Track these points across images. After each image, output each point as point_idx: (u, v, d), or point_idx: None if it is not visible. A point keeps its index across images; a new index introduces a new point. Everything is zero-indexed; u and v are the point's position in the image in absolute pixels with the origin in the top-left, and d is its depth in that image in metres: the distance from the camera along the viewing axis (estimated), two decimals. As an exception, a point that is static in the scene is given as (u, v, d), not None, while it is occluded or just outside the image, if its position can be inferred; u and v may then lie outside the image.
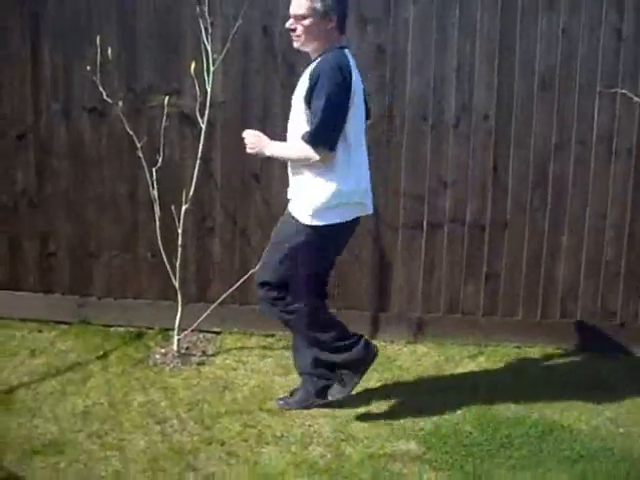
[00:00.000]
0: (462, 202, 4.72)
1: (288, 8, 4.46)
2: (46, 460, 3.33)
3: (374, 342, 3.97)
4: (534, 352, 4.73)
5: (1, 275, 5.03)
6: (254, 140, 3.68)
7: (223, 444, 3.51)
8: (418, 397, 4.09)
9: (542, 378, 4.40)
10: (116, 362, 4.44)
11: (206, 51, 4.32)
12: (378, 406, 3.96)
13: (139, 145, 4.46)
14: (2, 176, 4.93)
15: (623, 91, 4.49)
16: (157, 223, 4.54)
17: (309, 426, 3.73)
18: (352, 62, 3.52)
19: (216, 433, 3.62)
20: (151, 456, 3.39)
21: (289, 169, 3.71)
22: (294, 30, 3.50)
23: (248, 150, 3.70)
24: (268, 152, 3.66)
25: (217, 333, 4.86)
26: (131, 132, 4.47)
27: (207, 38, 4.31)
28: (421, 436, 3.63)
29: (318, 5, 3.41)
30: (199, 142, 4.44)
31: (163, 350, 4.58)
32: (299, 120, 3.55)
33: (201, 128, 4.41)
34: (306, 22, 3.44)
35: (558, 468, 3.37)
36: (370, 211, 3.79)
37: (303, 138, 3.45)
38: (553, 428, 3.74)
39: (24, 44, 4.78)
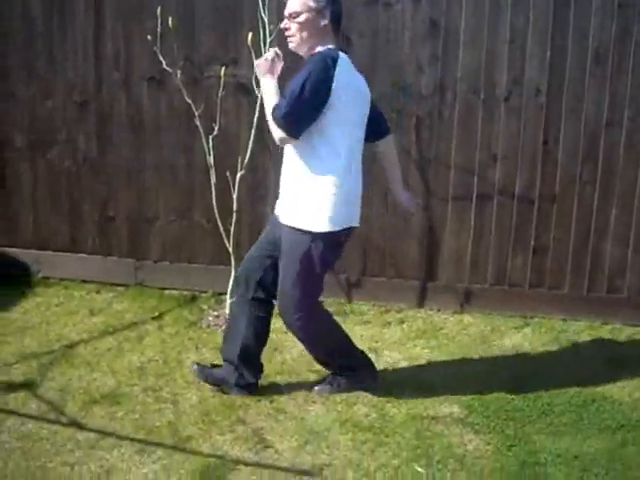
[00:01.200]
0: (512, 175, 4.74)
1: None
2: (104, 410, 3.52)
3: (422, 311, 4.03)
4: (579, 326, 4.74)
5: (62, 238, 5.25)
6: (264, 63, 3.47)
7: (272, 401, 3.65)
8: (462, 364, 4.18)
9: (586, 351, 4.43)
10: (170, 323, 4.62)
11: (263, 22, 4.42)
12: (422, 371, 4.06)
13: (197, 114, 4.58)
14: (65, 142, 5.13)
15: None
16: (213, 190, 4.68)
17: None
18: (346, 62, 3.38)
19: (265, 392, 3.75)
20: (203, 410, 3.55)
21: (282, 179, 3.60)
22: (288, 29, 3.39)
23: (256, 65, 3.53)
24: (261, 80, 3.51)
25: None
26: (189, 101, 4.59)
27: (264, 9, 4.40)
28: (463, 401, 3.71)
29: (311, 2, 3.32)
30: (254, 111, 4.54)
31: (216, 313, 4.73)
32: None
33: (257, 97, 4.50)
34: (300, 19, 3.33)
35: (598, 436, 3.42)
36: (357, 223, 3.62)
37: (272, 110, 3.34)
38: (595, 398, 3.77)
39: (87, 15, 4.96)
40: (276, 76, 3.45)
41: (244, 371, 3.68)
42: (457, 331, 4.65)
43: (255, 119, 4.54)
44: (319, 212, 3.38)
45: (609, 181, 4.69)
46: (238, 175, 4.59)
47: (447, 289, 4.92)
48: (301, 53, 3.45)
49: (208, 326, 4.58)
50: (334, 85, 3.26)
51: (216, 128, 4.59)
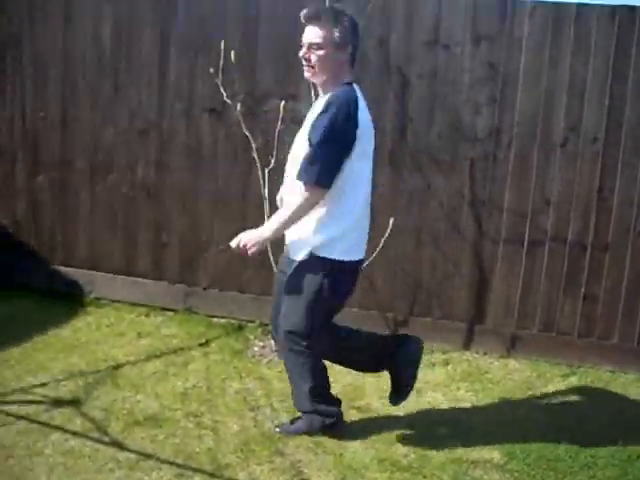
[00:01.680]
0: (565, 221, 4.71)
1: (405, 22, 4.64)
2: (146, 432, 3.56)
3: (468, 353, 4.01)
4: (628, 378, 4.66)
5: (116, 260, 5.36)
6: (246, 238, 3.41)
7: (311, 435, 3.64)
8: (505, 409, 4.13)
9: (633, 405, 4.34)
10: (216, 350, 4.67)
11: (323, 60, 4.48)
12: (465, 414, 4.03)
13: (254, 146, 4.66)
14: (124, 168, 5.26)
15: None
16: (266, 221, 4.72)
17: (396, 426, 3.82)
18: (361, 99, 3.36)
19: (306, 424, 3.77)
20: (243, 439, 3.57)
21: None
22: (307, 60, 3.31)
23: (250, 252, 3.43)
24: (269, 233, 3.41)
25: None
26: (247, 133, 4.68)
27: (325, 47, 4.47)
28: (505, 447, 3.66)
29: (335, 35, 3.25)
30: (310, 146, 4.60)
31: (262, 343, 4.77)
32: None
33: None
34: (321, 52, 3.26)
35: (642, 492, 3.36)
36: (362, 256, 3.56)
37: (299, 177, 3.27)
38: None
39: (154, 47, 5.11)
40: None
41: (322, 408, 3.62)
42: (502, 376, 4.60)
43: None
44: (339, 241, 3.34)
45: (664, 232, 4.63)
46: (291, 208, 4.64)
47: (494, 333, 4.88)
48: (316, 82, 3.42)
49: (253, 356, 4.61)
50: (358, 129, 3.25)
51: (272, 161, 4.66)
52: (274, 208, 4.63)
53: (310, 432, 3.61)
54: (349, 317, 4.92)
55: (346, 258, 3.39)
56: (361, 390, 4.23)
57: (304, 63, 3.34)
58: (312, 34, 3.29)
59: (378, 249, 4.55)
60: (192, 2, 5.03)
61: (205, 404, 3.92)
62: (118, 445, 3.41)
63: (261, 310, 5.00)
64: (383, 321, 4.97)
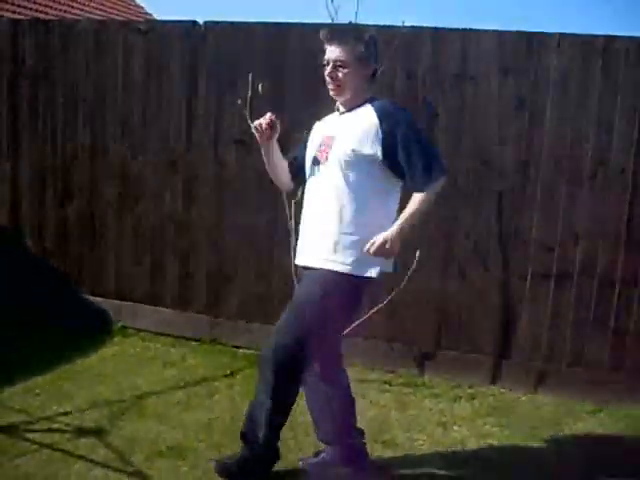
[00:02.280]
0: (593, 255, 4.66)
1: (432, 55, 4.66)
2: (169, 463, 3.55)
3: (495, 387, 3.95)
4: (661, 414, 4.59)
5: (143, 290, 5.40)
6: (381, 251, 3.19)
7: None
8: (532, 446, 4.05)
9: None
10: (241, 382, 4.65)
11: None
12: (491, 450, 3.96)
13: (281, 178, 4.68)
14: (152, 198, 5.31)
15: None
16: (292, 253, 4.73)
17: (421, 462, 3.78)
18: None
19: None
20: (266, 471, 3.54)
21: (313, 224, 3.41)
22: (334, 78, 3.28)
23: (387, 257, 3.25)
24: (400, 239, 3.20)
25: (339, 364, 4.98)
26: (275, 164, 4.69)
27: (352, 80, 4.49)
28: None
29: (358, 52, 3.24)
30: (337, 178, 4.61)
31: (286, 375, 4.73)
32: (363, 170, 3.23)
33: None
34: (346, 70, 3.24)
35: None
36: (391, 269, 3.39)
37: (419, 183, 3.17)
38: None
39: (182, 79, 5.19)
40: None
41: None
42: (529, 411, 4.54)
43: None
44: (368, 257, 3.19)
45: (695, 266, 4.56)
46: (317, 240, 4.64)
47: (521, 367, 4.81)
48: (340, 100, 3.37)
49: (278, 387, 4.58)
50: None
51: (299, 193, 4.66)
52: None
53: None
54: (374, 349, 4.94)
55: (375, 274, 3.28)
56: (386, 424, 4.19)
57: (329, 82, 3.32)
58: (336, 52, 3.27)
59: (404, 281, 4.53)
60: (221, 35, 5.10)
61: (229, 435, 3.87)
62: (141, 476, 3.40)
63: (286, 341, 4.99)
64: (409, 353, 4.93)
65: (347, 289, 3.23)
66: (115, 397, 4.28)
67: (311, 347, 3.24)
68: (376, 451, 3.84)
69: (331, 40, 3.29)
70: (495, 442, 4.06)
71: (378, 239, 3.15)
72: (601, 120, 4.56)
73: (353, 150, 3.21)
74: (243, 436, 3.45)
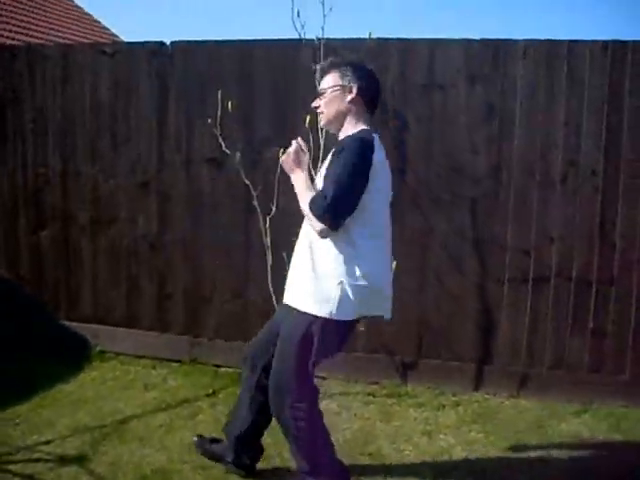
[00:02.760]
0: (568, 257, 4.69)
1: (400, 65, 4.69)
2: (154, 486, 3.51)
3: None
4: (642, 413, 4.61)
5: (120, 313, 5.35)
6: (288, 158, 3.35)
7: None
8: (518, 450, 4.06)
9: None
10: (224, 401, 4.61)
11: (320, 105, 4.52)
12: (477, 456, 3.96)
13: (255, 194, 4.68)
14: (126, 220, 5.28)
15: None
16: (269, 270, 4.73)
17: (409, 472, 3.77)
18: (378, 146, 3.22)
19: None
20: (253, 490, 3.52)
21: (299, 259, 3.40)
22: (318, 107, 3.37)
23: (281, 161, 3.40)
24: (292, 179, 3.34)
25: (323, 378, 4.95)
26: (247, 182, 4.69)
27: (321, 92, 4.51)
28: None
29: (339, 79, 3.30)
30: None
31: (268, 392, 4.71)
32: None
33: (314, 179, 4.58)
34: (326, 96, 3.32)
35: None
36: (388, 315, 3.37)
37: (310, 204, 3.12)
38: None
39: (151, 99, 5.17)
40: (304, 168, 3.34)
41: (241, 453, 3.63)
42: (513, 416, 4.54)
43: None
44: (340, 298, 3.15)
45: (669, 263, 4.60)
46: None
47: (503, 372, 4.82)
48: (332, 131, 3.42)
49: (261, 405, 4.56)
50: (372, 169, 3.12)
51: (273, 209, 4.67)
52: (276, 256, 4.65)
53: None
54: (355, 362, 4.93)
55: (346, 318, 3.25)
56: (371, 435, 4.18)
57: (318, 112, 3.40)
58: (322, 84, 3.38)
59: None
60: (188, 54, 5.09)
61: (214, 456, 3.87)
62: (126, 501, 3.37)
63: (267, 358, 4.97)
64: (391, 364, 4.93)
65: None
66: (96, 423, 4.23)
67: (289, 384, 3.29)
68: (363, 462, 3.83)
69: (321, 74, 3.42)
70: (481, 448, 4.06)
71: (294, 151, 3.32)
72: (569, 123, 4.61)
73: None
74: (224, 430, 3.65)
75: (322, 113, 3.37)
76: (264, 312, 4.92)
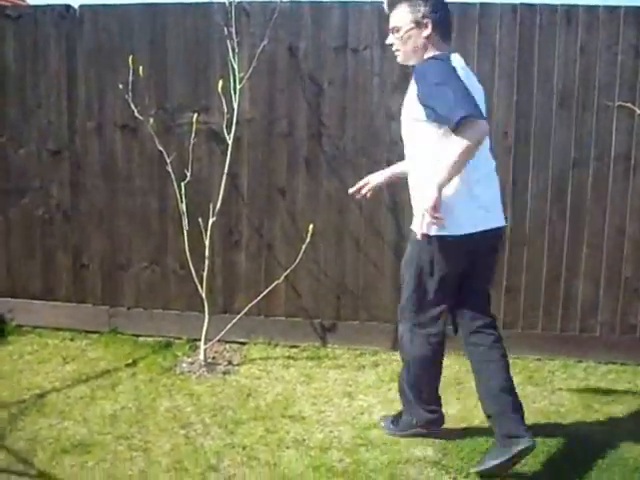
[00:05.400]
0: (482, 217, 4.78)
1: (313, 29, 4.66)
2: (75, 459, 3.46)
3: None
4: (554, 365, 4.77)
5: (36, 286, 5.23)
6: (429, 213, 3.13)
7: (245, 448, 3.62)
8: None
9: (560, 388, 4.44)
10: (144, 370, 4.58)
11: (233, 70, 4.48)
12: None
13: (168, 161, 4.62)
14: (38, 190, 5.15)
15: (636, 108, 4.57)
16: (185, 236, 4.69)
17: (329, 432, 3.82)
18: (459, 63, 3.27)
19: (238, 438, 3.73)
20: (175, 458, 3.51)
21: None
22: (392, 44, 3.37)
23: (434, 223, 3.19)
24: (438, 190, 3.10)
25: (243, 344, 4.99)
26: (161, 148, 4.63)
27: (234, 57, 4.47)
28: (438, 443, 3.69)
29: (411, 15, 3.26)
30: (226, 158, 4.60)
31: (190, 359, 4.71)
32: (420, 134, 3.28)
33: (228, 144, 4.56)
34: (400, 34, 3.30)
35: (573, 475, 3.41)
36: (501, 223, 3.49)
37: (451, 124, 3.00)
38: (570, 438, 3.74)
39: (60, 63, 5.01)
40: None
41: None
42: (432, 373, 4.64)
43: (227, 165, 4.59)
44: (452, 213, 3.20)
45: (578, 220, 4.75)
46: (210, 221, 4.61)
47: (421, 331, 4.91)
48: (411, 64, 3.35)
49: (182, 373, 4.55)
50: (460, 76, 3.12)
51: (188, 175, 4.62)
52: (192, 222, 4.62)
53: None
54: (275, 325, 4.95)
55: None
56: (292, 398, 4.22)
57: (394, 49, 3.38)
58: (391, 20, 3.35)
59: (300, 255, 4.57)
60: (97, 19, 4.94)
61: (135, 425, 3.84)
62: (45, 476, 3.31)
63: (187, 326, 4.97)
64: (310, 327, 4.97)
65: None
66: (14, 398, 4.13)
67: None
68: (285, 425, 3.87)
69: (388, 10, 3.38)
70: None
71: (428, 194, 3.10)
72: (482, 84, 4.66)
73: (407, 115, 3.33)
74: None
75: (398, 50, 3.36)
76: (183, 279, 4.93)
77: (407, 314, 3.57)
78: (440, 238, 3.28)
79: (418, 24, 3.27)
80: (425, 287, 3.44)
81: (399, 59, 3.40)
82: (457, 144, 3.01)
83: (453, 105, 2.99)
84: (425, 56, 3.30)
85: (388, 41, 3.40)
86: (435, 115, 3.10)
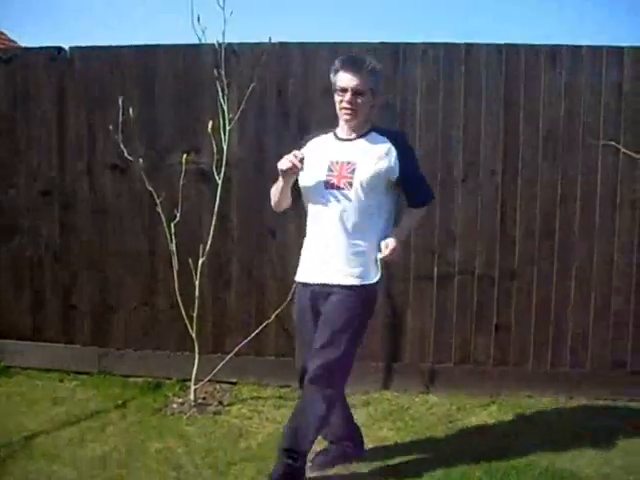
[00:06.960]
0: (471, 254, 4.82)
1: (300, 69, 4.71)
2: (64, 503, 3.43)
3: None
4: (545, 402, 4.75)
5: (25, 326, 5.21)
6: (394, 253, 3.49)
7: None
8: (429, 444, 4.13)
9: (553, 427, 4.40)
10: (134, 411, 4.55)
11: (223, 111, 4.52)
12: (389, 453, 4.01)
13: (158, 201, 4.62)
14: (28, 230, 5.14)
15: (620, 147, 4.63)
16: (175, 276, 4.69)
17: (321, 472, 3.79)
18: None
19: (230, 479, 3.70)
20: (166, 500, 3.48)
21: (345, 246, 3.51)
22: (352, 104, 3.47)
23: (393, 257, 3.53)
24: (398, 244, 3.51)
25: (233, 383, 4.97)
26: (151, 188, 4.63)
27: (223, 98, 4.51)
28: (430, 480, 3.68)
29: (374, 83, 3.50)
30: (216, 198, 4.61)
31: (180, 400, 4.68)
32: (382, 189, 3.52)
33: (218, 184, 4.58)
34: (364, 99, 3.47)
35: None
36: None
37: (423, 202, 3.69)
38: (564, 476, 3.72)
39: (51, 104, 5.04)
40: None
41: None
42: (423, 411, 4.63)
43: (216, 205, 4.60)
44: (375, 265, 3.51)
45: (566, 256, 4.77)
46: (200, 261, 4.61)
47: (412, 369, 4.91)
48: (351, 125, 3.55)
49: (172, 413, 4.52)
50: None
51: (178, 215, 4.62)
52: (182, 262, 4.62)
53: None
54: (267, 366, 4.93)
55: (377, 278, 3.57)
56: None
57: (347, 107, 3.49)
58: (355, 81, 3.45)
59: (290, 295, 4.56)
60: (88, 60, 4.99)
61: (125, 467, 3.80)
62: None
63: (177, 366, 4.94)
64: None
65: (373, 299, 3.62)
66: (2, 441, 4.07)
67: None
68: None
69: (347, 69, 3.48)
70: (391, 445, 4.13)
71: (391, 243, 3.44)
72: (468, 125, 4.73)
73: (378, 174, 3.47)
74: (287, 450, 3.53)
75: (355, 111, 3.50)
76: (173, 319, 4.90)
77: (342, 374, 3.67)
78: (376, 284, 3.57)
79: (374, 94, 3.52)
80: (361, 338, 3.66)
81: (348, 117, 3.53)
82: (420, 214, 3.75)
83: (427, 185, 3.74)
84: (368, 121, 3.59)
85: (346, 99, 3.47)
86: (417, 185, 3.65)
